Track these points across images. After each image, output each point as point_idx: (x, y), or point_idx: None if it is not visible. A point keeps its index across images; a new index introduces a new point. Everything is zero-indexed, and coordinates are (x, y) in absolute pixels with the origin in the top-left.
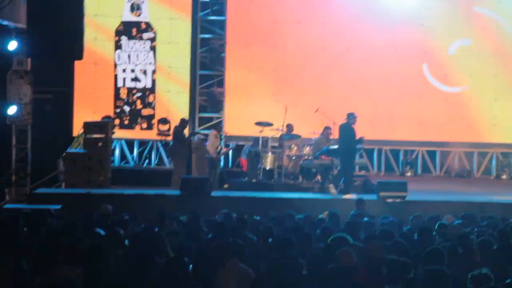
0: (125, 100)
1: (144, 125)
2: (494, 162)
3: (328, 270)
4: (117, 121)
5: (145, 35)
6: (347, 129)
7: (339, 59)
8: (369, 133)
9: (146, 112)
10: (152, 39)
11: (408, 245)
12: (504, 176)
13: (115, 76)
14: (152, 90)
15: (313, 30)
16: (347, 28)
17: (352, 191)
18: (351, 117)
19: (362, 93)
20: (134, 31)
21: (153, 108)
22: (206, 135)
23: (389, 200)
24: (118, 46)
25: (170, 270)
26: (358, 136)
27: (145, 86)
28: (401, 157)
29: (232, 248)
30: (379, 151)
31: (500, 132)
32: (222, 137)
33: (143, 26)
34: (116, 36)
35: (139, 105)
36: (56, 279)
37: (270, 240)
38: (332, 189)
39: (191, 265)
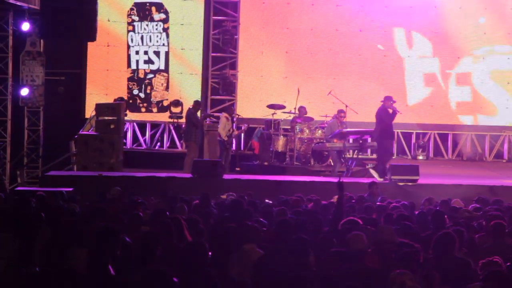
0: (138, 82)
1: (157, 108)
2: (506, 146)
3: (338, 253)
4: (132, 102)
5: (158, 16)
6: (383, 112)
7: (352, 41)
8: None
9: (158, 94)
10: (165, 20)
11: (419, 229)
12: None
13: (128, 58)
14: (165, 71)
15: (326, 12)
16: (360, 11)
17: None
18: (387, 100)
19: (374, 75)
20: (146, 12)
21: (166, 90)
22: (218, 118)
23: (401, 184)
24: (130, 27)
25: (190, 254)
26: (394, 119)
27: (158, 68)
28: (413, 140)
29: (249, 232)
30: None
31: None
32: (234, 119)
33: (156, 7)
34: (128, 17)
35: (152, 87)
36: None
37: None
38: (375, 174)
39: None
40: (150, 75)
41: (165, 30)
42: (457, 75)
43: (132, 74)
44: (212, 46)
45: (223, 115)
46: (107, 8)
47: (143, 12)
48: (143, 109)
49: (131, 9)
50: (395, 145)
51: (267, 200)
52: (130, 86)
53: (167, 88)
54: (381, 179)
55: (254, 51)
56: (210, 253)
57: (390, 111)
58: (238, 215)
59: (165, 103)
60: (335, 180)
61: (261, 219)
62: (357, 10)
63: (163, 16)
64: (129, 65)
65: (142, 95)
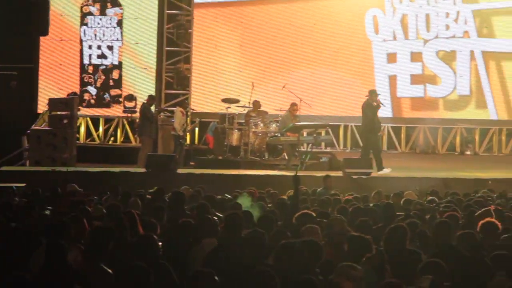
0: (91, 77)
1: (110, 102)
2: (458, 138)
3: (292, 246)
4: (85, 97)
5: (112, 11)
6: (367, 106)
7: (306, 35)
8: (336, 109)
9: (112, 89)
10: (119, 15)
11: (371, 221)
12: (468, 152)
13: (81, 53)
14: (118, 66)
15: (280, 6)
16: (314, 5)
17: (383, 166)
18: (372, 94)
19: (328, 69)
20: (100, 6)
21: (120, 85)
22: (172, 112)
23: (355, 177)
24: (84, 22)
25: (140, 248)
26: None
27: (112, 62)
28: None
29: (208, 226)
30: (345, 127)
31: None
32: (188, 114)
33: (110, 1)
34: (82, 11)
35: (105, 81)
36: None
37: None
38: (382, 172)
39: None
40: (104, 70)
41: (119, 24)
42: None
43: (85, 69)
44: (166, 40)
45: (178, 110)
46: (60, 2)
47: (96, 6)
48: (92, 103)
49: (84, 3)
50: (349, 138)
51: (226, 195)
52: (83, 81)
53: (120, 82)
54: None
55: (208, 45)
56: (168, 247)
57: (375, 104)
58: (194, 209)
59: (119, 98)
60: (289, 173)
61: (218, 213)
62: (311, 4)
63: (118, 10)
64: (82, 60)
65: (95, 90)
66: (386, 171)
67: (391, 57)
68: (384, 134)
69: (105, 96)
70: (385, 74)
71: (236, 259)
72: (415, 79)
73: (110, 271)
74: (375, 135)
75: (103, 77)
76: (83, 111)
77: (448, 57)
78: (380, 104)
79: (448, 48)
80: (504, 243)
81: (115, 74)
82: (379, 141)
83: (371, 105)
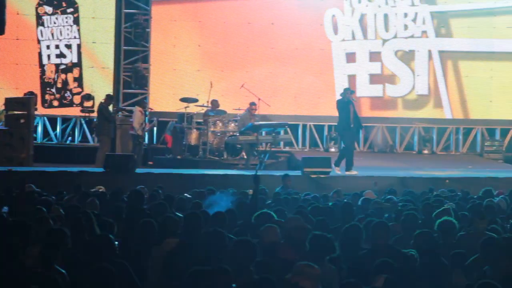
0: (49, 76)
1: (68, 101)
2: (416, 138)
3: (252, 245)
4: (47, 98)
5: (68, 10)
6: (342, 104)
7: (264, 34)
8: (294, 108)
9: (70, 88)
10: (74, 12)
11: (330, 220)
12: (425, 151)
13: (39, 52)
14: (77, 65)
15: (238, 5)
16: (273, 3)
17: (353, 167)
18: (346, 92)
19: (287, 68)
20: (56, 4)
21: (81, 83)
22: (131, 112)
23: (313, 176)
24: (40, 22)
25: (96, 247)
26: (353, 110)
27: (71, 61)
28: (326, 132)
29: (169, 225)
30: (304, 126)
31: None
32: (147, 113)
33: (66, 0)
34: (38, 10)
35: (64, 81)
36: None
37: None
38: (336, 169)
39: (117, 242)
40: (63, 69)
41: (76, 22)
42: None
43: (45, 69)
44: (124, 40)
45: (137, 109)
46: (16, 1)
47: (52, 5)
48: (54, 103)
49: (40, 1)
50: (307, 137)
51: (186, 194)
52: (44, 81)
53: (79, 82)
54: (352, 172)
55: (166, 44)
56: (127, 247)
57: (354, 101)
58: (154, 209)
59: (77, 97)
60: (248, 173)
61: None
62: (268, 3)
63: (72, 9)
64: (40, 59)
65: (53, 89)
66: (354, 172)
67: (350, 57)
68: (364, 133)
69: (66, 95)
70: (344, 74)
71: (196, 259)
72: (374, 79)
73: (64, 271)
74: (351, 134)
75: (63, 76)
76: (41, 110)
77: (407, 57)
78: (352, 101)
79: (406, 48)
80: (461, 241)
81: (75, 73)
82: (354, 140)
83: (344, 103)
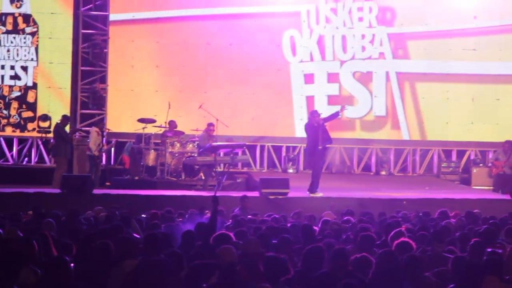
0: (3, 97)
1: (24, 122)
2: (373, 158)
3: (209, 267)
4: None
5: (27, 29)
6: (309, 127)
7: (223, 55)
8: (252, 129)
9: (26, 109)
10: (33, 34)
11: (290, 242)
12: (383, 172)
13: None
14: (32, 87)
15: (197, 26)
16: (231, 24)
17: (318, 190)
18: (313, 114)
19: (245, 89)
20: (14, 24)
21: (34, 105)
22: (88, 132)
23: (272, 197)
24: None
25: (52, 269)
26: (322, 132)
27: (26, 84)
28: (283, 153)
29: (127, 247)
30: (262, 147)
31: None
32: (104, 134)
33: (24, 19)
34: None
35: (18, 102)
36: None
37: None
38: (316, 194)
39: (72, 264)
40: (17, 91)
41: (34, 43)
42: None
43: None
44: (81, 60)
45: (94, 130)
46: None
47: (10, 24)
48: (8, 127)
49: None
50: (265, 158)
51: (143, 215)
52: None
53: (35, 105)
54: (316, 194)
55: (124, 65)
56: (83, 269)
57: (316, 125)
58: (111, 230)
59: (33, 118)
60: (206, 194)
61: (135, 234)
62: (227, 24)
63: (33, 29)
64: None
65: (6, 111)
66: (318, 195)
67: (309, 78)
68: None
69: (18, 119)
70: (302, 95)
71: (155, 280)
72: (332, 100)
73: None
74: (318, 157)
75: (17, 100)
76: None
77: (365, 78)
78: (320, 124)
79: (364, 69)
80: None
81: (30, 96)
82: (321, 161)
83: (313, 126)
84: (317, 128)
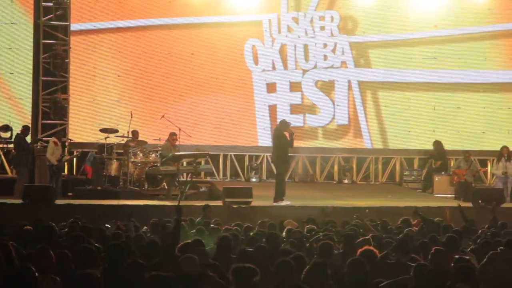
0: None
1: None
2: (336, 167)
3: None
4: None
5: None
6: (280, 138)
7: (185, 64)
8: (215, 138)
9: None
10: None
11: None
12: (345, 181)
13: None
14: None
15: (158, 35)
16: (193, 33)
17: (283, 198)
18: (283, 124)
19: (208, 98)
20: None
21: None
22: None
23: (235, 206)
24: None
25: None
26: (290, 141)
27: None
28: (246, 162)
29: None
30: (225, 157)
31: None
32: (66, 144)
33: None
34: None
35: None
36: None
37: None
38: (281, 202)
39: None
40: None
41: None
42: (289, 98)
43: None
44: (42, 70)
45: (51, 140)
46: None
47: None
48: None
49: None
50: (228, 168)
51: (107, 225)
52: None
53: None
54: (281, 203)
55: (86, 74)
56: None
57: (287, 134)
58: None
59: None
60: (169, 203)
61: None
62: (188, 33)
63: None
64: None
65: None
66: (284, 203)
67: (271, 87)
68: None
69: None
70: (265, 104)
71: None
72: (295, 109)
73: None
74: (287, 165)
75: None
76: None
77: (327, 87)
78: (292, 135)
79: (326, 78)
80: (383, 271)
81: None
82: (286, 172)
83: (283, 135)
84: (287, 139)
